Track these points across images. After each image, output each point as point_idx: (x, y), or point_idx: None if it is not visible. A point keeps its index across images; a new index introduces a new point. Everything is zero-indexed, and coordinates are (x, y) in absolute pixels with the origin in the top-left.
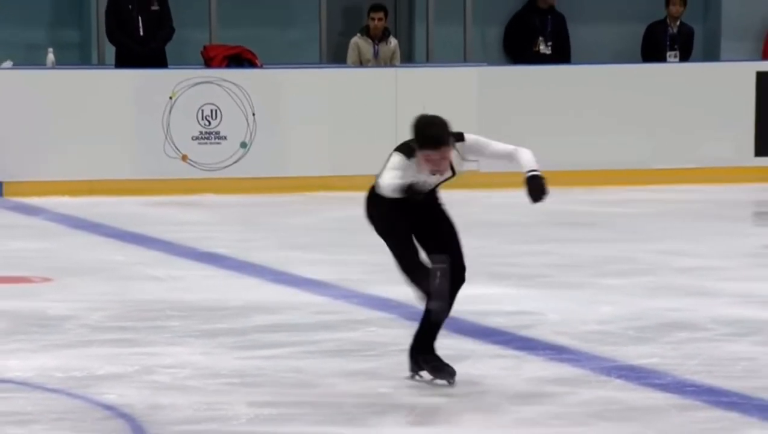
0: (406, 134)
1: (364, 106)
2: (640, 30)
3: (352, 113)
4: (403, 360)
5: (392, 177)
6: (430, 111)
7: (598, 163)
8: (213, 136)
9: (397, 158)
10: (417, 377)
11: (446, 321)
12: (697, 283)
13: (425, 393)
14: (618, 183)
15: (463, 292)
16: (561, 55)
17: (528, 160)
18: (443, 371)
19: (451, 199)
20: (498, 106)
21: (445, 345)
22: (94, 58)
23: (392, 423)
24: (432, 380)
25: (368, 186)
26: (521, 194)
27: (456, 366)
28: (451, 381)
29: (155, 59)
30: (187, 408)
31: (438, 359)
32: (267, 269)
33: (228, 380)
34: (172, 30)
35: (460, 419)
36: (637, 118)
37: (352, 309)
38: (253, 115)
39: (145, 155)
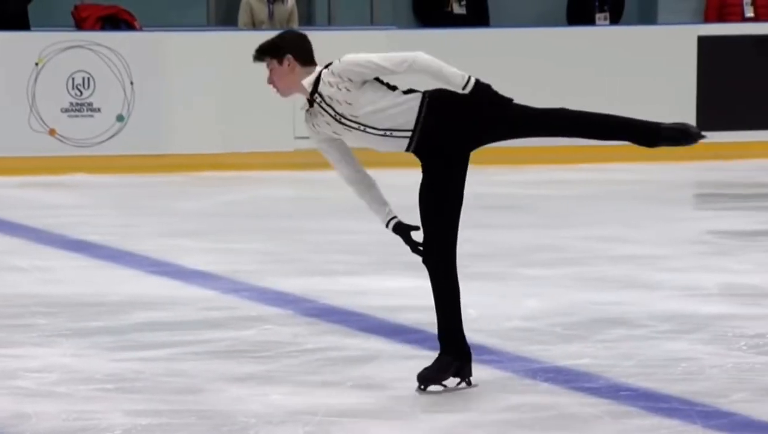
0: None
1: (258, 74)
2: None
3: (245, 83)
4: (303, 362)
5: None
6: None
7: (520, 140)
8: (85, 108)
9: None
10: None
11: (351, 319)
12: (632, 274)
13: (327, 399)
14: (542, 161)
15: (371, 285)
16: (478, 17)
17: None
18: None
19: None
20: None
21: (349, 345)
22: None
23: None
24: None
25: (262, 165)
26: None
27: (362, 369)
28: None
29: (15, 19)
30: (55, 417)
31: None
32: (147, 259)
33: (102, 385)
34: None
35: (367, 429)
36: (563, 88)
37: (244, 304)
38: (131, 84)
39: (8, 129)
